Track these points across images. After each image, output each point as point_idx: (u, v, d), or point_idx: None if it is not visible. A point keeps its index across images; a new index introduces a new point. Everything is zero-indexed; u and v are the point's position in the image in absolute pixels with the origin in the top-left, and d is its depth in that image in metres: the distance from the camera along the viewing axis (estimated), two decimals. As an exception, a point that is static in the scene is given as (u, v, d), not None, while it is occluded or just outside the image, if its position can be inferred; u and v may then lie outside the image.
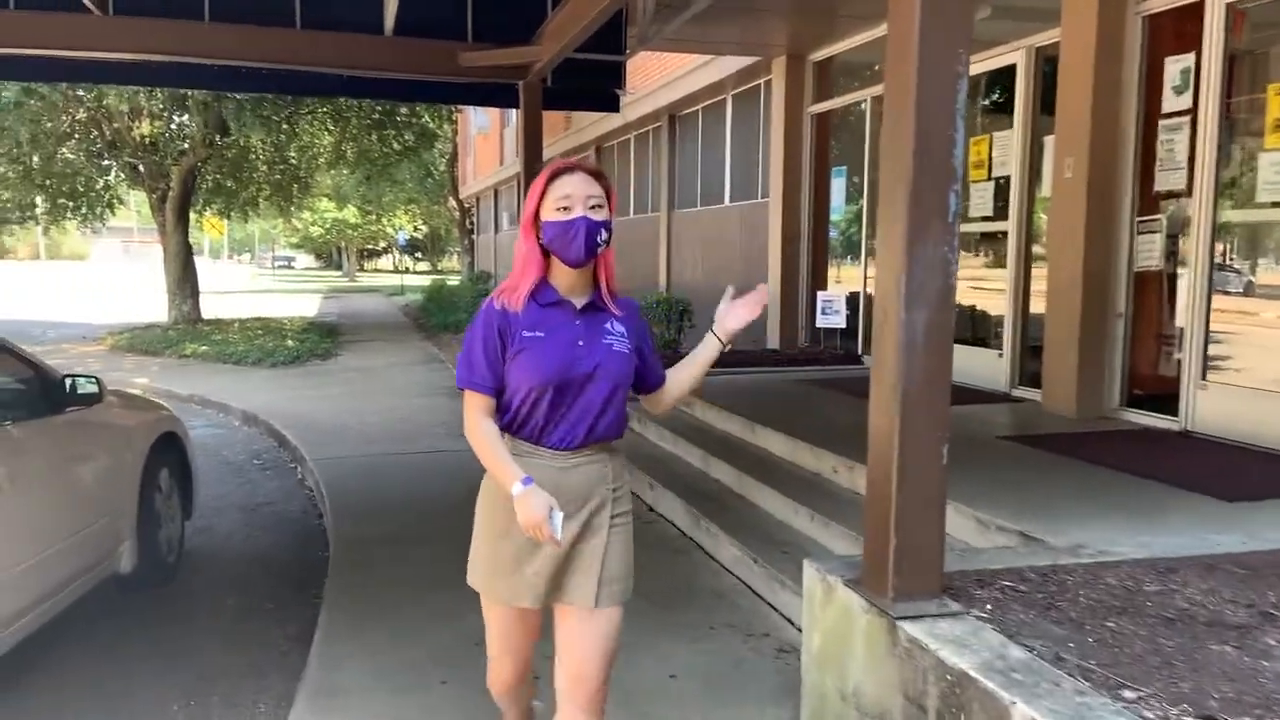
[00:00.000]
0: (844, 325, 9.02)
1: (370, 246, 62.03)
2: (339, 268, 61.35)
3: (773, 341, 10.05)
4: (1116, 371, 5.92)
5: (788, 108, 9.82)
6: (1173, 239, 5.69)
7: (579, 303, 2.32)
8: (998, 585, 2.89)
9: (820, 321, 9.29)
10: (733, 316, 2.39)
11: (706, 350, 2.44)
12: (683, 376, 2.48)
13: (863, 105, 8.83)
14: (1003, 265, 7.01)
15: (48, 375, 4.12)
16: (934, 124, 2.55)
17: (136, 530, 4.50)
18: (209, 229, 33.93)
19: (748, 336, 11.02)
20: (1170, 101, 5.55)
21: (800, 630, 3.78)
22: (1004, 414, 6.26)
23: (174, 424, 5.13)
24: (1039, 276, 6.66)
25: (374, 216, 43.72)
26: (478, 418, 2.29)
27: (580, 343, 2.27)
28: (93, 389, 4.17)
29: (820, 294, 9.36)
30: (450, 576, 4.78)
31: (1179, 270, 5.61)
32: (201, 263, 36.93)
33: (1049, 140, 6.40)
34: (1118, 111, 5.78)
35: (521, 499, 2.15)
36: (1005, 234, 6.90)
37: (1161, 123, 5.61)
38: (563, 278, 2.30)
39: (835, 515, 4.42)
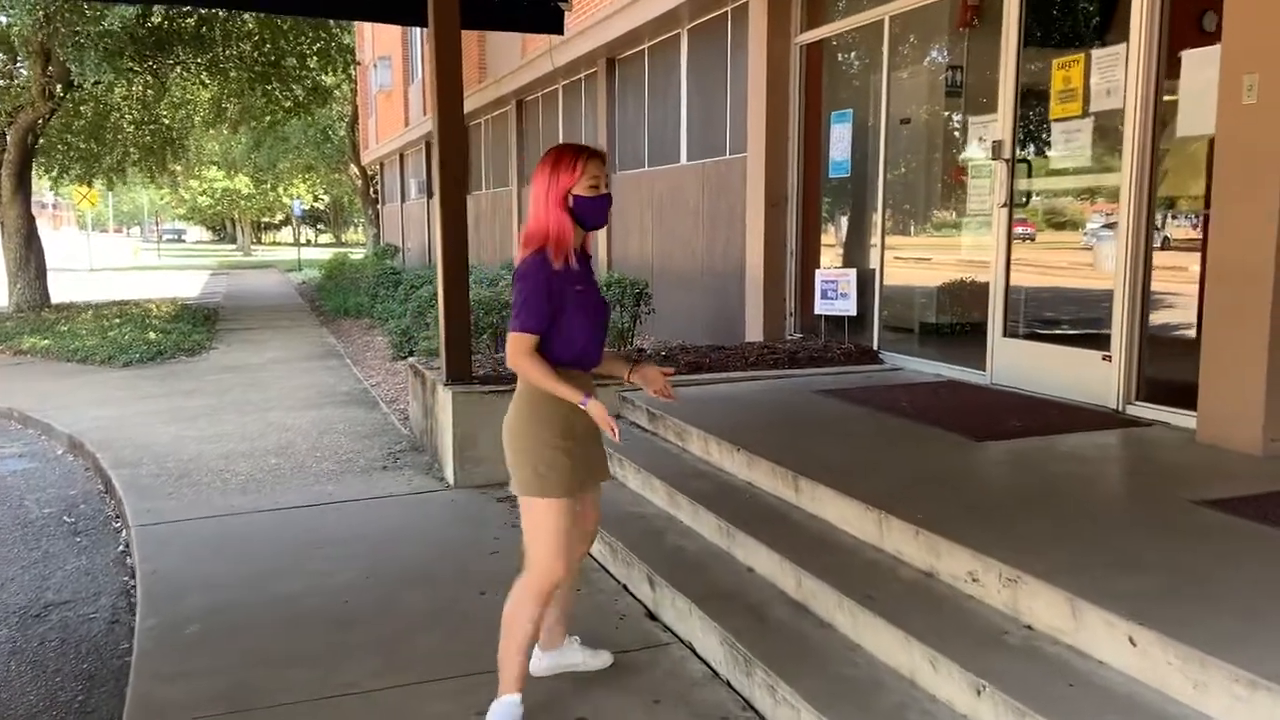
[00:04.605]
0: (854, 312, 7.08)
1: (266, 219, 58.47)
2: (234, 241, 57.47)
3: (754, 333, 8.05)
4: (1322, 390, 4.10)
5: (770, 39, 7.78)
6: None
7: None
8: None
9: (820, 308, 7.34)
10: (646, 380, 3.00)
11: (615, 368, 3.04)
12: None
13: (879, 26, 6.84)
14: (1109, 232, 5.15)
15: None
16: None
17: None
18: (80, 200, 30.60)
19: (720, 326, 9.03)
20: None
21: None
22: (1142, 450, 4.38)
23: None
24: (1169, 247, 4.83)
25: (268, 185, 40.38)
26: (531, 354, 2.76)
27: (599, 291, 2.94)
28: None
29: (820, 273, 7.39)
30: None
31: None
32: (79, 237, 33.33)
33: (1190, 55, 4.53)
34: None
35: (594, 407, 2.74)
36: (1113, 190, 5.03)
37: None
38: (575, 240, 2.84)
39: (1027, 694, 2.44)
